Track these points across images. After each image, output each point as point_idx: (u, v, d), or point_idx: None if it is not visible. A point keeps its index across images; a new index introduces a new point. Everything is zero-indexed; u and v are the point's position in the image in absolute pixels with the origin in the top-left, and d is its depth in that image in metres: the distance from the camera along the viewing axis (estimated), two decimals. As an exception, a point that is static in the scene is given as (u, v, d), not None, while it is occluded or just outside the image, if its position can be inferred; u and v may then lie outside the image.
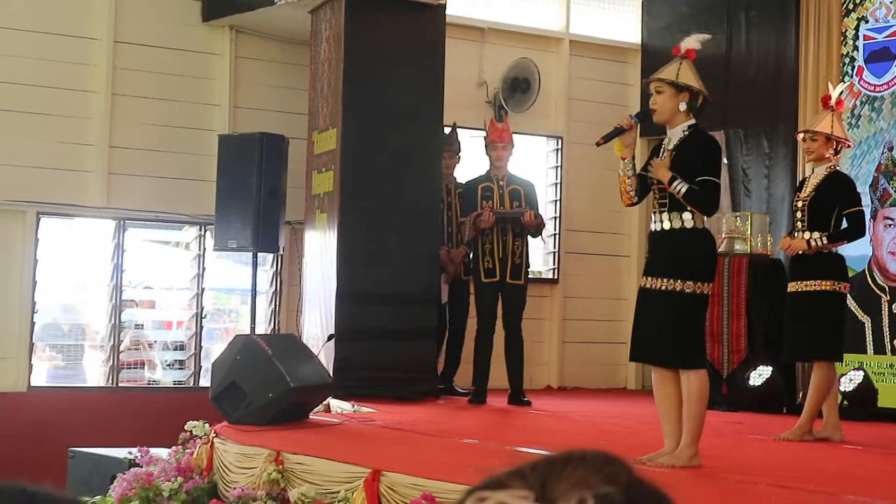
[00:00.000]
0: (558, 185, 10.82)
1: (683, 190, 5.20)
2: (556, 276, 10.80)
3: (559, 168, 10.84)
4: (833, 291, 6.56)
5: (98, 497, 6.12)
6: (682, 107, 5.36)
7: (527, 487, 0.94)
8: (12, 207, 8.84)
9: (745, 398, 8.50)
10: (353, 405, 7.60)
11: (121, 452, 6.86)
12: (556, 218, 10.72)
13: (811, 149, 6.71)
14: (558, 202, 10.78)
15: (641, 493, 0.97)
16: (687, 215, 5.27)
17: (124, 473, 6.25)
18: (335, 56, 8.60)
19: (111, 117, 9.20)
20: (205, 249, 9.54)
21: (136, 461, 6.46)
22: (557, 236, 10.76)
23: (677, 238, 5.29)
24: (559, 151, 10.86)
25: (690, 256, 5.28)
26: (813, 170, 6.82)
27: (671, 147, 5.36)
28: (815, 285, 6.55)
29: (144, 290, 9.69)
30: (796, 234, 6.69)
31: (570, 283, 10.81)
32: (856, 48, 9.07)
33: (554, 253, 10.81)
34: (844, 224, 6.59)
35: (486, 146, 8.68)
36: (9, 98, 8.84)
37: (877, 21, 8.98)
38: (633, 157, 5.52)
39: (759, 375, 8.54)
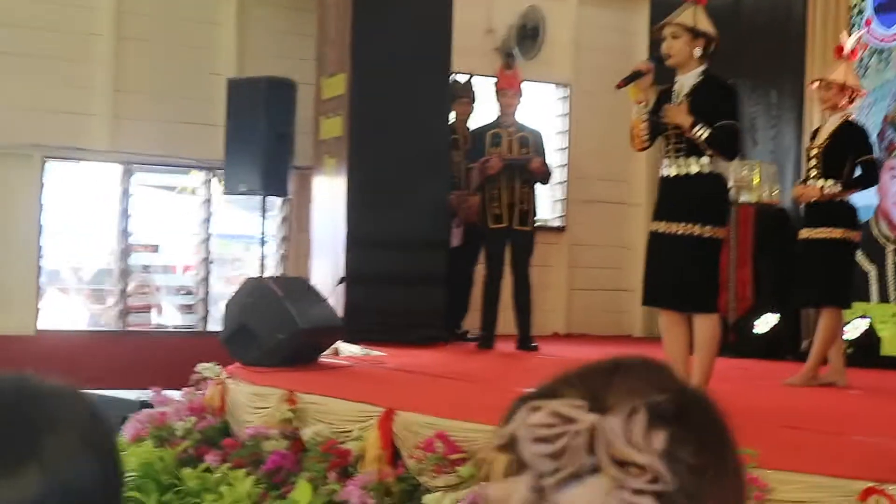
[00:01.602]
0: (566, 133, 10.79)
1: (705, 135, 5.19)
2: (563, 224, 10.80)
3: (567, 116, 10.82)
4: (844, 240, 6.58)
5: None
6: (698, 52, 5.36)
7: (579, 396, 0.95)
8: (17, 151, 8.81)
9: (751, 345, 8.53)
10: (362, 349, 7.63)
11: (130, 394, 6.88)
12: (564, 165, 10.71)
13: (825, 98, 6.69)
14: (567, 150, 10.76)
15: (691, 399, 0.97)
16: (704, 160, 5.27)
17: (136, 414, 6.27)
18: (343, 1, 8.55)
19: (117, 61, 9.15)
20: (211, 194, 9.53)
21: (150, 402, 6.49)
22: (565, 184, 10.75)
23: (695, 183, 5.28)
24: (567, 99, 10.83)
25: (709, 201, 5.28)
26: (827, 118, 6.82)
27: (686, 92, 5.35)
28: (826, 233, 6.57)
29: (151, 235, 9.69)
30: (809, 181, 6.70)
31: (577, 231, 10.81)
32: (864, -1, 9.03)
33: (562, 200, 10.81)
34: (858, 172, 6.61)
35: (496, 93, 8.66)
36: (13, 41, 8.78)
37: (886, -28, 8.93)
38: (648, 102, 5.52)
39: (766, 323, 8.57)
